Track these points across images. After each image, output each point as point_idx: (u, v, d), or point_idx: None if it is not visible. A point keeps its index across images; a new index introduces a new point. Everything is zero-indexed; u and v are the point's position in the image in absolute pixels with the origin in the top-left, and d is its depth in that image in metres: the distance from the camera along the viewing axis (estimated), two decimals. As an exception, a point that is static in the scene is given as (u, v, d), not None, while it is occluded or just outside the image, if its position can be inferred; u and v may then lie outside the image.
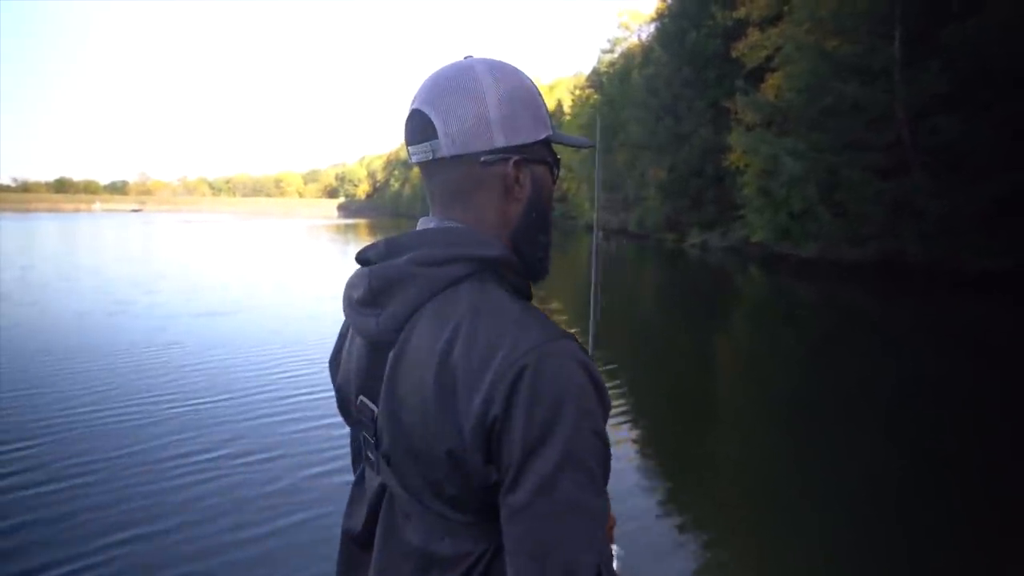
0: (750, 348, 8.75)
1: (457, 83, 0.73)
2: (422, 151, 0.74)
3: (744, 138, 17.49)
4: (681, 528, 3.42)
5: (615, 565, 0.82)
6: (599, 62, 40.72)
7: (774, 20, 18.19)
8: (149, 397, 5.23)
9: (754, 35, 19.30)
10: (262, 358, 6.63)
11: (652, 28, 31.31)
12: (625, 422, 5.17)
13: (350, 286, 0.77)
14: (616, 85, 33.44)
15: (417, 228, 0.77)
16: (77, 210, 77.87)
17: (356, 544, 0.81)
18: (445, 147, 0.73)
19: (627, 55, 36.03)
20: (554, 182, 0.80)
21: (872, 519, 3.44)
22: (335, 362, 0.86)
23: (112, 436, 4.36)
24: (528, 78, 0.77)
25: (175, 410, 4.91)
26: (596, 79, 39.34)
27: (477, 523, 0.69)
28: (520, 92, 0.75)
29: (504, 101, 0.73)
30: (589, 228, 36.66)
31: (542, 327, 0.67)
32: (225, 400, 5.21)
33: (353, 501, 0.83)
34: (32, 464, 3.90)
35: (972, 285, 11.68)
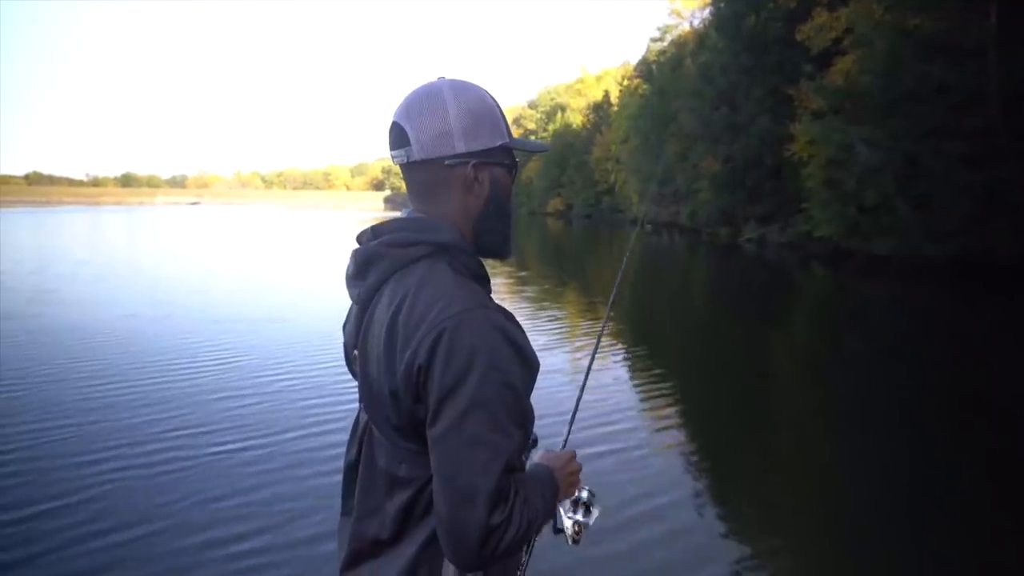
0: (810, 350, 8.06)
1: (425, 101, 0.91)
2: (399, 155, 0.94)
3: (811, 126, 16.33)
4: (728, 533, 3.30)
5: (584, 497, 1.08)
6: (648, 51, 39.43)
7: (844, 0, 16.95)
8: (201, 436, 4.20)
9: (821, 16, 18.04)
10: (334, 380, 5.44)
11: (706, 13, 29.96)
12: (674, 424, 4.91)
13: (348, 263, 0.98)
14: (667, 74, 32.18)
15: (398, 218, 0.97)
16: (141, 203, 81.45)
17: (352, 471, 0.99)
18: (416, 152, 0.91)
19: (678, 43, 34.66)
20: (512, 181, 1.00)
21: (935, 534, 3.28)
22: (345, 325, 1.04)
23: (151, 495, 3.39)
24: (488, 95, 0.95)
25: (235, 456, 3.88)
26: (645, 68, 38.06)
27: (423, 452, 0.85)
28: (479, 107, 0.92)
29: (464, 115, 0.91)
30: (635, 222, 35.46)
31: (467, 298, 0.84)
32: (293, 439, 4.16)
33: (350, 438, 1.02)
34: (56, 542, 2.93)
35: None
